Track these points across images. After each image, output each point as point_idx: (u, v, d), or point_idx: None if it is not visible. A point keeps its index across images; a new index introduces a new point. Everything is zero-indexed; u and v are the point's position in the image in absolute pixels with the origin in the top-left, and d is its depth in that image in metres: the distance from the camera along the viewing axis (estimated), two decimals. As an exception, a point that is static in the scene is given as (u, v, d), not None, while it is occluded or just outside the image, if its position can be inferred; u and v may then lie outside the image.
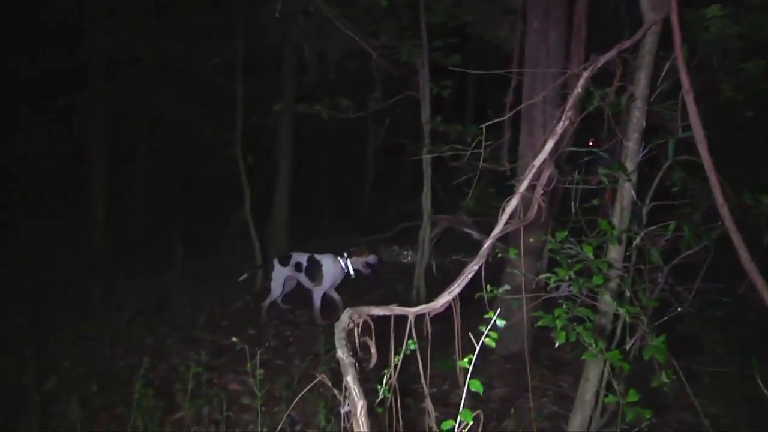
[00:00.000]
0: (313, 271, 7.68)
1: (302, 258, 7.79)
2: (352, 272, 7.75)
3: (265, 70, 11.07)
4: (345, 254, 7.75)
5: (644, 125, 3.69)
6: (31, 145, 12.10)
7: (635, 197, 3.74)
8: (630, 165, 3.70)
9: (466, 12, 7.72)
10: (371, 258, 7.86)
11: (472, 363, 2.13)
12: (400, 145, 12.13)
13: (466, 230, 7.81)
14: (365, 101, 8.86)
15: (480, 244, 2.88)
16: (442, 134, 7.57)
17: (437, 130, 7.69)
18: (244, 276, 8.24)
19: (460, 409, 2.11)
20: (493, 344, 2.20)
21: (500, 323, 2.20)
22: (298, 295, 8.06)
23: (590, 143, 6.02)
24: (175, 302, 7.74)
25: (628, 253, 3.81)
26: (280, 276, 7.79)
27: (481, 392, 2.15)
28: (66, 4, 10.59)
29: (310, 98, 8.43)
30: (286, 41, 9.49)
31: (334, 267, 7.69)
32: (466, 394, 2.13)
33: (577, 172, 4.35)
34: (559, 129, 3.01)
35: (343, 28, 6.37)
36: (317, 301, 7.66)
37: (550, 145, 2.96)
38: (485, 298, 2.87)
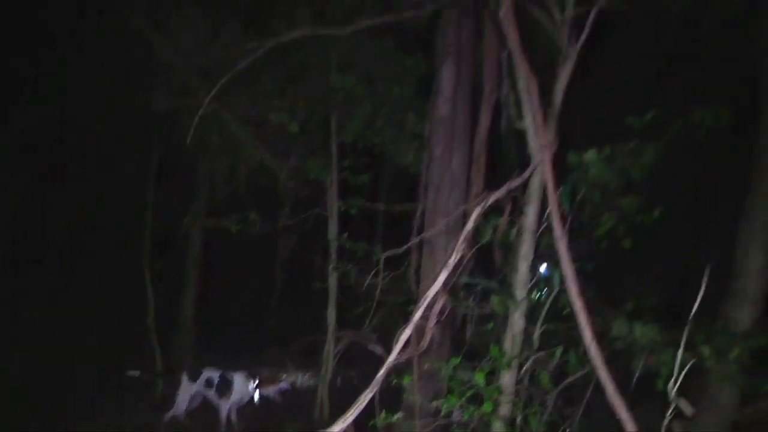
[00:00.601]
0: (223, 387, 7.52)
1: (214, 375, 7.59)
2: (256, 398, 7.63)
3: (179, 179, 11.07)
4: (255, 380, 7.65)
5: (532, 256, 3.97)
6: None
7: (525, 323, 3.96)
8: (520, 293, 3.93)
9: (375, 134, 8.00)
10: (283, 385, 7.81)
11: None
12: (309, 259, 12.20)
13: (370, 348, 7.89)
14: (275, 215, 8.98)
15: (383, 361, 2.99)
16: (349, 250, 7.72)
17: (344, 246, 7.84)
18: (135, 373, 7.97)
19: None
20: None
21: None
22: (202, 407, 7.81)
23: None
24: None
25: (519, 378, 3.98)
26: (188, 391, 7.52)
27: None
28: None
29: (221, 210, 8.50)
30: (200, 155, 9.62)
31: (244, 386, 7.57)
32: None
33: (472, 299, 4.57)
34: (451, 262, 3.22)
35: (253, 147, 6.53)
36: (224, 413, 7.48)
37: (442, 277, 3.16)
38: (380, 425, 2.95)
